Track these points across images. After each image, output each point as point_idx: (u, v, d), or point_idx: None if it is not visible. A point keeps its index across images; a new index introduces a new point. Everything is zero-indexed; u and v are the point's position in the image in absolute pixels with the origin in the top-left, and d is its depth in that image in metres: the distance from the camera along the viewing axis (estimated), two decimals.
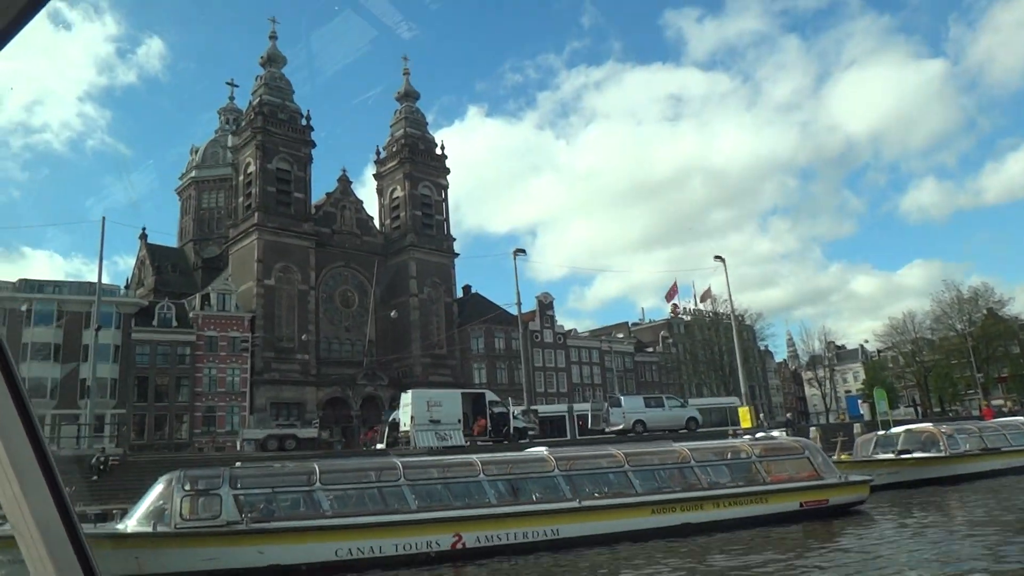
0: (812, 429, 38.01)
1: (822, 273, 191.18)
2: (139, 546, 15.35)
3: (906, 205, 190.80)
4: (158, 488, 16.26)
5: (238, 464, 18.31)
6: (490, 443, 36.92)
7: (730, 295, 48.68)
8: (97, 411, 44.72)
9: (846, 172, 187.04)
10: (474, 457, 19.15)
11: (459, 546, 16.94)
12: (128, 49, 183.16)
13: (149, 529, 15.35)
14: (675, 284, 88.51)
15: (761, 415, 51.96)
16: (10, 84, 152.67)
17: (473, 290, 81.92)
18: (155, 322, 60.68)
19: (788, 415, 53.49)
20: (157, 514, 15.65)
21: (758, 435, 23.49)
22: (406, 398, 38.16)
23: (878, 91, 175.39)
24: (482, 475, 18.10)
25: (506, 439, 37.99)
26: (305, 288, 67.49)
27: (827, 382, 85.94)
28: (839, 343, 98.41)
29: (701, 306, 77.37)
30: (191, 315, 62.37)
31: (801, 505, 20.36)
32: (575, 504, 18.06)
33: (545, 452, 20.21)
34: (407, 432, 36.97)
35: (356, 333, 70.80)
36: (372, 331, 70.09)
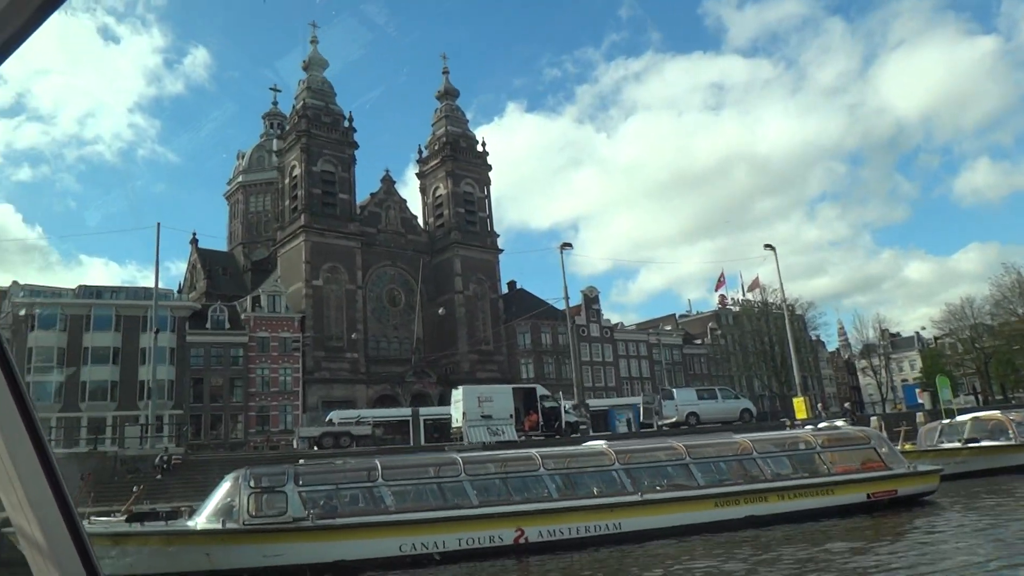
0: (872, 418, 37.09)
1: (873, 260, 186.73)
2: (209, 542, 15.63)
3: (960, 187, 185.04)
4: (225, 486, 16.52)
5: (301, 461, 18.55)
6: (542, 438, 36.89)
7: (781, 284, 47.78)
8: (156, 412, 45.75)
9: (897, 156, 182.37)
10: (533, 451, 19.08)
11: (521, 540, 16.90)
12: (175, 60, 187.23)
13: (219, 526, 15.62)
14: (722, 274, 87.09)
15: (819, 405, 50.85)
16: (60, 98, 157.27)
17: (518, 286, 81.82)
18: (208, 325, 61.94)
19: (846, 404, 52.17)
20: (226, 511, 15.91)
21: (820, 424, 22.94)
22: (457, 394, 38.27)
23: (928, 71, 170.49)
24: (542, 469, 18.04)
25: (558, 433, 37.91)
26: (352, 288, 68.21)
27: (882, 371, 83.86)
28: (893, 331, 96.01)
29: (749, 296, 76.07)
30: (243, 317, 63.51)
31: (868, 496, 19.86)
32: (637, 498, 17.88)
33: (604, 445, 20.04)
34: (459, 428, 37.13)
35: (403, 331, 71.34)
36: (419, 329, 70.53)
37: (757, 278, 74.78)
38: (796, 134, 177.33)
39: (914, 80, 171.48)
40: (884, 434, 23.67)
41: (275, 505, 15.97)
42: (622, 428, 41.37)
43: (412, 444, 39.34)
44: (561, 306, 73.63)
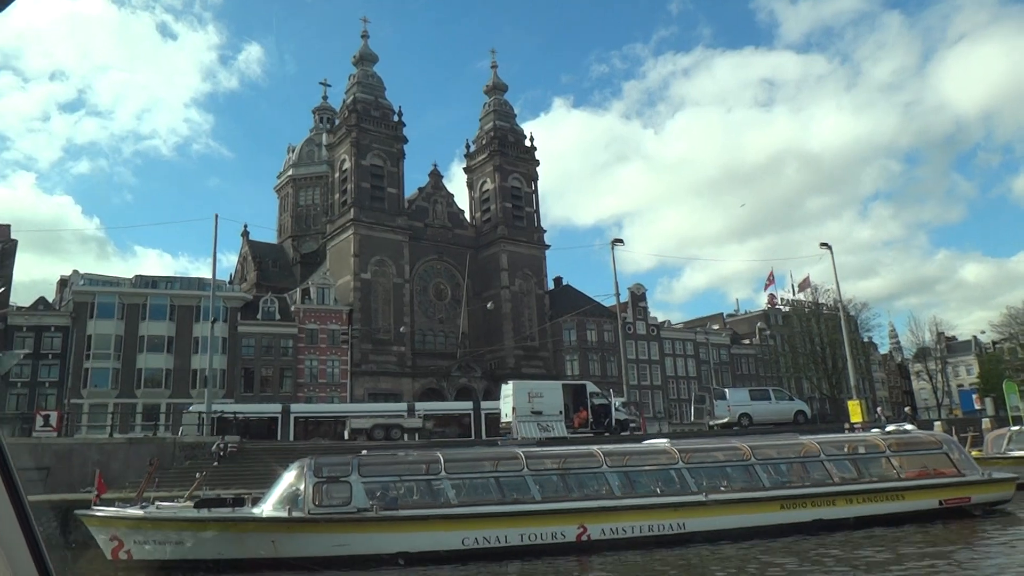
0: (936, 424, 35.96)
1: (928, 261, 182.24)
2: (275, 530, 15.73)
3: (1021, 187, 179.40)
4: (290, 475, 16.61)
5: (363, 452, 18.57)
6: (591, 435, 36.54)
7: (837, 284, 46.52)
8: (215, 401, 46.38)
9: (954, 154, 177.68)
10: (595, 448, 18.85)
11: (584, 538, 16.70)
12: (230, 56, 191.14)
13: (284, 514, 15.71)
14: (771, 273, 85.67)
15: (879, 408, 49.55)
16: (119, 93, 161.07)
17: (564, 282, 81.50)
18: (259, 316, 62.89)
19: (906, 409, 50.76)
20: (291, 500, 16.00)
21: (888, 428, 22.25)
22: (507, 389, 38.07)
23: (990, 67, 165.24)
24: (604, 466, 17.80)
25: (607, 431, 37.51)
26: (400, 281, 68.61)
27: (938, 375, 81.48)
28: (949, 335, 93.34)
29: (800, 296, 74.51)
30: (292, 309, 64.33)
31: (941, 503, 19.22)
32: (701, 498, 17.54)
33: (667, 444, 19.70)
34: (508, 423, 36.96)
35: (449, 325, 71.55)
36: (465, 323, 70.68)
37: (807, 277, 73.33)
38: (849, 131, 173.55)
39: (975, 76, 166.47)
40: (956, 439, 22.87)
41: (340, 495, 16.02)
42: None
43: (473, 437, 39.27)
44: (607, 303, 73.21)
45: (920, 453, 20.53)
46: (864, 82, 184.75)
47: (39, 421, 31.94)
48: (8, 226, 59.81)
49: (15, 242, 58.74)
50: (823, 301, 73.28)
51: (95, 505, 17.17)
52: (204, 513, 15.91)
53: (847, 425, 36.02)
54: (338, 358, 64.06)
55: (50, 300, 62.88)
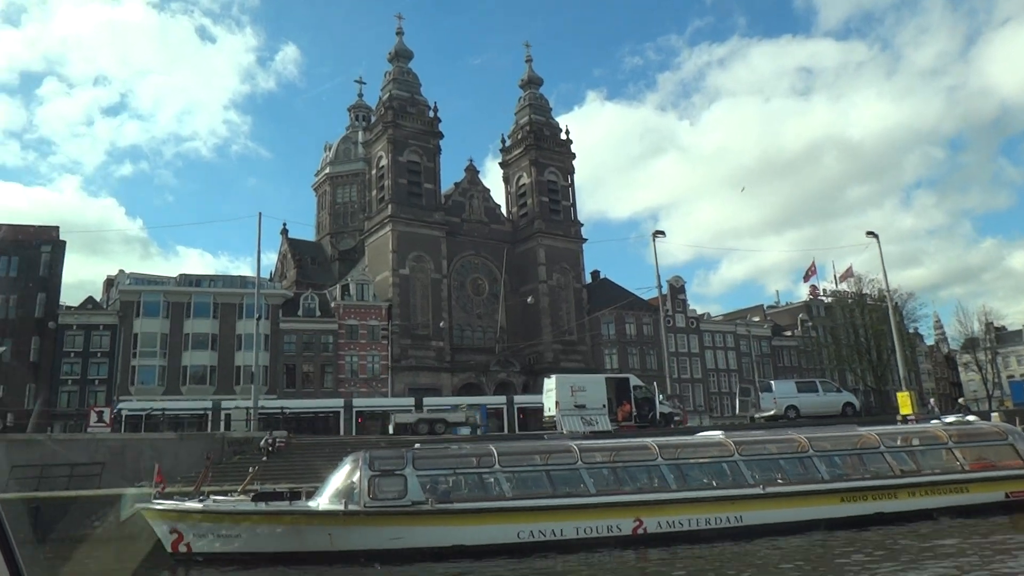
0: (994, 415, 34.97)
1: (973, 249, 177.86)
2: (331, 523, 15.79)
3: None
4: (345, 468, 16.66)
5: (416, 446, 18.57)
6: (635, 428, 36.19)
7: (885, 274, 45.33)
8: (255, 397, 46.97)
9: (1000, 139, 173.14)
10: (649, 441, 18.60)
11: (640, 531, 16.50)
12: (267, 57, 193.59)
13: (340, 507, 15.75)
14: (813, 264, 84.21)
15: (932, 400, 48.39)
16: (159, 97, 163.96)
17: (601, 275, 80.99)
18: (300, 312, 63.56)
19: (960, 400, 49.50)
20: (346, 493, 16.04)
21: (948, 419, 21.63)
22: (550, 383, 37.87)
23: None
24: (659, 459, 17.55)
25: (651, 424, 37.13)
26: (438, 277, 68.81)
27: (988, 366, 79.34)
28: (997, 324, 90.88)
29: (844, 286, 73.01)
30: (332, 305, 64.89)
31: (1007, 495, 18.64)
32: (759, 491, 17.22)
33: (722, 436, 19.39)
34: (551, 417, 36.79)
35: (487, 320, 71.58)
36: (503, 318, 70.63)
37: (850, 268, 71.76)
38: (890, 118, 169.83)
39: (1021, 59, 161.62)
40: (1021, 430, 22.15)
41: (394, 488, 16.01)
42: (464, 431, 37.00)
43: (507, 432, 39.17)
44: (646, 296, 72.78)
45: (984, 444, 19.95)
46: (905, 68, 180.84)
47: (93, 417, 32.61)
48: (57, 227, 61.30)
49: (64, 243, 60.14)
50: (867, 291, 71.76)
51: (155, 499, 17.39)
52: (262, 507, 16.03)
53: (900, 417, 35.15)
54: (378, 353, 64.47)
55: (98, 299, 64.24)
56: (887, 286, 47.31)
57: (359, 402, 47.53)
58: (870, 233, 45.57)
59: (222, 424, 41.85)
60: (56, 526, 23.04)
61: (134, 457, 30.54)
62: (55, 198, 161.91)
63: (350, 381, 62.95)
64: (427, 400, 46.23)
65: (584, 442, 19.62)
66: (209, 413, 43.58)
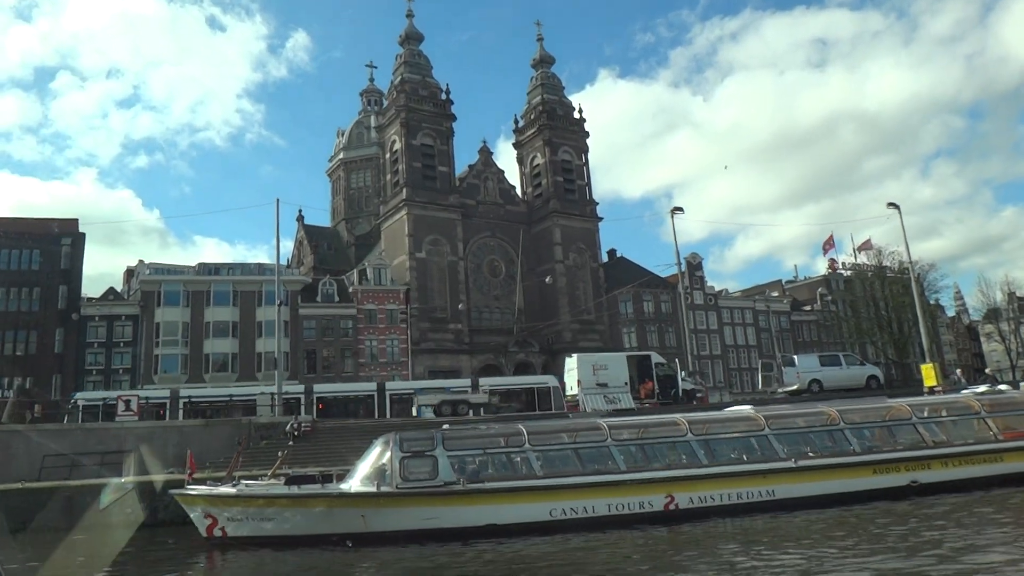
0: (1023, 384, 34.59)
1: (994, 219, 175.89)
2: (364, 505, 15.88)
3: None
4: (375, 450, 16.72)
5: (445, 426, 18.60)
6: (657, 406, 36.17)
7: (907, 245, 44.68)
8: (274, 383, 47.28)
9: (1022, 106, 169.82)
10: (678, 416, 18.54)
11: (672, 507, 16.50)
12: (278, 45, 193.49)
13: (373, 489, 15.83)
14: (831, 237, 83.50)
15: (958, 371, 47.95)
16: (172, 88, 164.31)
17: (618, 254, 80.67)
18: (319, 298, 63.82)
19: (987, 370, 49.04)
20: (378, 475, 16.10)
21: (979, 389, 21.42)
22: (571, 363, 37.91)
23: None
24: (689, 434, 17.49)
25: (674, 401, 37.08)
26: (454, 259, 68.78)
27: (1012, 336, 78.48)
28: (1020, 294, 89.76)
29: (864, 258, 72.31)
30: (350, 290, 65.12)
31: None
32: (791, 464, 17.15)
33: (751, 410, 19.29)
34: (574, 396, 36.85)
35: (505, 301, 71.54)
36: (520, 299, 70.56)
37: (869, 240, 71.11)
38: (908, 88, 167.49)
39: None
40: None
41: (425, 469, 16.07)
42: (428, 414, 37.11)
43: (539, 410, 39.28)
44: (663, 273, 72.47)
45: (1017, 414, 19.71)
46: (922, 36, 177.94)
47: (120, 406, 32.95)
48: (76, 220, 61.74)
49: (83, 235, 60.59)
50: (887, 264, 71.09)
51: (188, 484, 17.55)
52: (295, 490, 16.14)
53: (926, 389, 34.88)
54: (397, 337, 64.69)
55: (119, 290, 64.79)
56: (909, 257, 46.75)
57: (392, 385, 47.68)
58: (891, 204, 45.01)
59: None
60: (86, 514, 23.37)
61: (162, 445, 30.90)
62: (73, 191, 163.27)
63: (370, 365, 63.23)
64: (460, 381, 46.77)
65: (612, 419, 19.58)
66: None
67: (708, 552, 13.82)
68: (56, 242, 58.42)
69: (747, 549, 13.65)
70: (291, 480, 16.67)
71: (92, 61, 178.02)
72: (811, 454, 17.81)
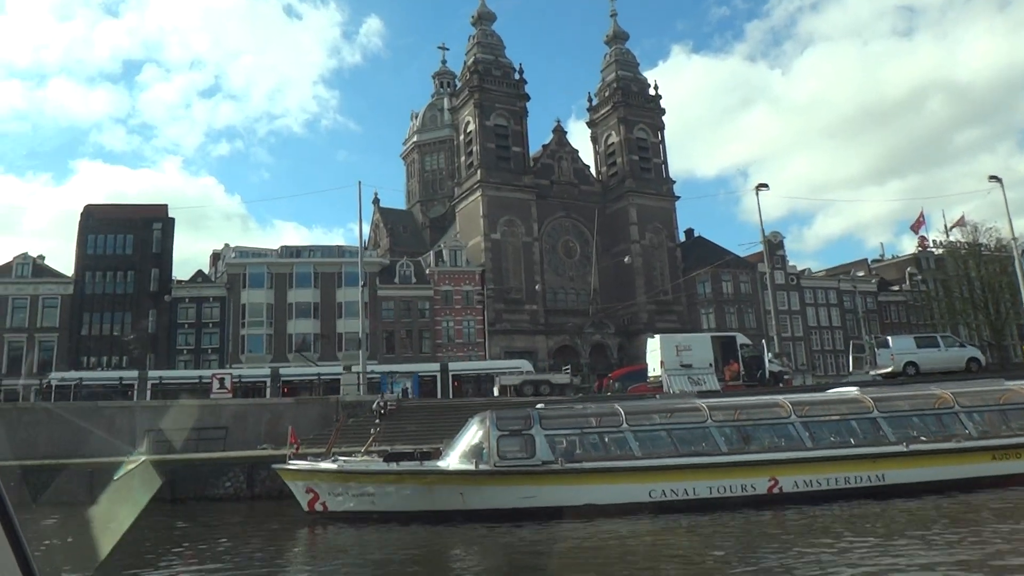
0: None
1: None
2: (463, 483, 15.92)
3: None
4: (472, 428, 16.73)
5: (540, 405, 18.50)
6: (743, 388, 35.32)
7: (1010, 220, 42.52)
8: (354, 363, 48.17)
9: None
10: (780, 398, 17.97)
11: (775, 490, 16.02)
12: (352, 31, 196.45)
13: (471, 467, 15.84)
14: (921, 214, 79.98)
15: None
16: (251, 76, 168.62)
17: (696, 234, 79.04)
18: (396, 280, 64.71)
19: None
20: (475, 453, 16.12)
21: None
22: (653, 343, 37.34)
23: None
24: (793, 416, 16.90)
25: (760, 383, 36.14)
26: (529, 240, 68.63)
27: None
28: None
29: (958, 234, 68.81)
30: (427, 272, 65.77)
31: None
32: (902, 448, 16.37)
33: (857, 392, 18.54)
34: (656, 377, 36.30)
35: (579, 282, 71.08)
36: (595, 280, 69.99)
37: (962, 216, 67.68)
38: (1003, 56, 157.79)
39: None
40: None
41: (523, 448, 16.00)
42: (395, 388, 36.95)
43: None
44: (745, 252, 70.62)
45: None
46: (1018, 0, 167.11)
47: (215, 385, 34.18)
48: (165, 206, 64.14)
49: (173, 220, 62.89)
50: (983, 241, 67.42)
51: (290, 460, 17.95)
52: (395, 467, 16.31)
53: None
54: (473, 318, 65.08)
55: (206, 273, 67.08)
56: (1012, 233, 44.25)
57: (455, 366, 48.30)
58: (992, 177, 42.69)
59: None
60: (188, 487, 24.31)
61: (255, 422, 31.93)
62: (160, 179, 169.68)
63: (447, 346, 63.83)
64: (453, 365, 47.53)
65: (710, 400, 19.12)
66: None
67: (821, 536, 13.32)
68: (148, 227, 60.76)
69: (861, 536, 13.11)
70: (389, 457, 16.86)
71: (176, 53, 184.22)
72: (923, 438, 16.99)
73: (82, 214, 60.21)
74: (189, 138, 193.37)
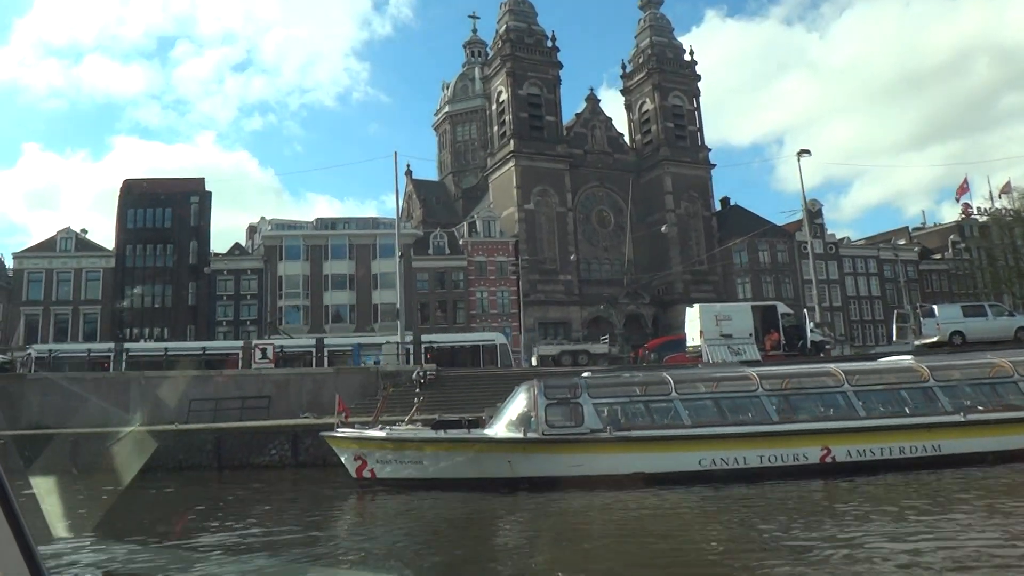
0: None
1: None
2: (511, 451, 15.92)
3: None
4: (519, 396, 16.69)
5: (586, 374, 18.41)
6: (783, 358, 34.90)
7: None
8: (390, 333, 48.37)
9: None
10: (832, 366, 17.68)
11: (828, 460, 15.79)
12: (383, 2, 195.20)
13: (520, 435, 15.83)
14: (965, 180, 78.04)
15: None
16: (282, 50, 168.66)
17: (732, 202, 77.82)
18: (430, 251, 64.80)
19: None
20: (523, 421, 16.09)
21: None
22: (692, 313, 36.98)
23: None
24: (846, 384, 16.60)
25: (801, 353, 35.67)
26: (563, 210, 68.16)
27: None
28: None
29: (1004, 201, 66.87)
30: (461, 242, 65.74)
31: None
32: (959, 418, 16.02)
33: (911, 360, 18.15)
34: (696, 346, 35.99)
35: (614, 252, 70.58)
36: (630, 250, 69.43)
37: (1008, 182, 65.68)
38: None
39: None
40: None
41: (572, 416, 15.94)
42: (369, 360, 36.83)
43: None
44: (780, 221, 69.46)
45: None
46: None
47: (257, 354, 34.61)
48: (202, 179, 64.71)
49: (210, 193, 63.46)
50: None
51: (338, 427, 18.10)
52: (443, 434, 16.36)
53: None
54: (507, 289, 65.04)
55: (243, 245, 67.79)
56: None
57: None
58: None
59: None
60: (235, 454, 24.75)
61: (296, 391, 32.34)
62: (195, 153, 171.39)
63: (482, 317, 63.95)
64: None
65: (760, 368, 18.85)
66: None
67: (884, 504, 13.09)
68: (186, 200, 61.37)
69: (924, 505, 12.86)
70: (437, 425, 16.92)
71: (208, 28, 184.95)
72: (979, 408, 16.60)
73: (122, 188, 60.96)
74: (222, 113, 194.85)
